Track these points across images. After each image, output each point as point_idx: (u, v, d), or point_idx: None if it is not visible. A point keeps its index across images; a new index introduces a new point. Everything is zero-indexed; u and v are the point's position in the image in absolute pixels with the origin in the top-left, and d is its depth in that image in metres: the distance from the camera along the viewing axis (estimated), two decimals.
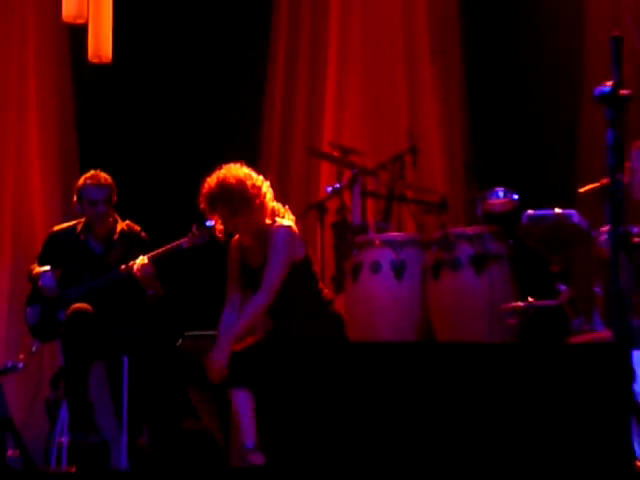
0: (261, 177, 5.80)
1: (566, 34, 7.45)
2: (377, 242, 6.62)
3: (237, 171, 5.73)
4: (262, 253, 5.74)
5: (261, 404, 5.03)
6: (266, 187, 5.78)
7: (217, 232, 5.85)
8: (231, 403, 5.71)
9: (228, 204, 5.68)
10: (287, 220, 5.79)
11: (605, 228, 5.24)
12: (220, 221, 5.77)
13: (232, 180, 5.68)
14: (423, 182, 7.34)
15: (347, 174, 7.08)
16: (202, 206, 5.76)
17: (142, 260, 6.15)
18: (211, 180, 5.70)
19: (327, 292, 5.95)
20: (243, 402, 5.60)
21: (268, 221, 5.75)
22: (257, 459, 5.50)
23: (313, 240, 6.84)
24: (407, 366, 3.43)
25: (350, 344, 5.19)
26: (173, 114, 7.74)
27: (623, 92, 4.08)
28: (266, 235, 5.73)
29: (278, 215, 5.78)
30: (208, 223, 5.97)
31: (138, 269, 6.13)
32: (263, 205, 5.73)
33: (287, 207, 5.89)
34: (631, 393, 3.91)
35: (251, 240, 5.79)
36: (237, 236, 5.85)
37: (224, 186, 5.67)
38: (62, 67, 7.60)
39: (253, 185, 5.71)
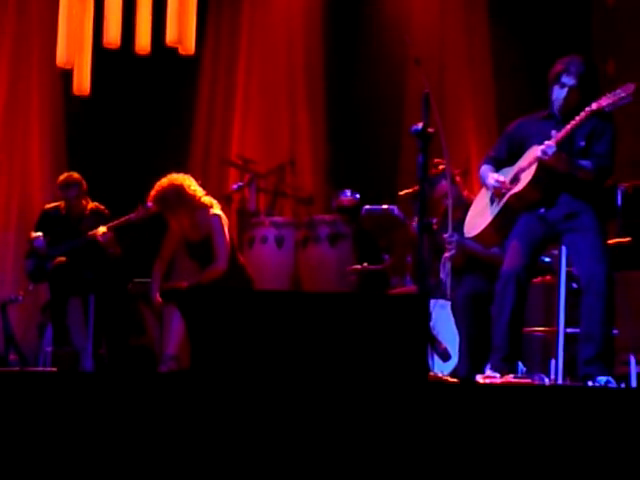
0: (193, 181, 5.74)
1: (394, 89, 7.50)
2: (266, 223, 6.62)
3: (173, 179, 5.67)
4: (199, 232, 5.70)
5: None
6: (195, 187, 5.72)
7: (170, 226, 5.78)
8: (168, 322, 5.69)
9: (166, 206, 5.66)
10: (218, 209, 5.80)
11: (415, 218, 5.27)
12: (166, 214, 5.73)
13: (170, 187, 5.63)
14: (297, 184, 7.30)
15: (247, 176, 7.12)
16: (151, 205, 5.74)
17: (102, 229, 6.02)
18: (156, 187, 5.64)
19: (242, 259, 5.94)
20: (176, 319, 5.56)
21: (202, 210, 5.68)
22: (173, 365, 5.50)
23: None
24: (284, 305, 3.39)
25: (248, 291, 5.14)
26: (132, 134, 7.64)
27: (429, 130, 4.08)
28: (203, 220, 5.69)
29: (211, 206, 5.73)
30: (149, 204, 5.91)
31: (100, 235, 6.01)
32: (195, 201, 5.68)
33: (216, 201, 5.84)
34: (428, 327, 3.97)
35: (189, 223, 5.74)
36: None
37: (165, 191, 5.63)
38: (56, 97, 7.45)
39: (183, 192, 5.64)
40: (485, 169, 4.66)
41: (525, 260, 4.37)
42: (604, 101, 4.21)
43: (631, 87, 4.16)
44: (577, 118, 4.27)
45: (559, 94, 4.41)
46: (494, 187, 4.54)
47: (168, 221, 5.84)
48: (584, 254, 4.29)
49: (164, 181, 5.68)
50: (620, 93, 4.18)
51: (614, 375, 4.19)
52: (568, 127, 4.29)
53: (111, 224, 6.08)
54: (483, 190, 4.75)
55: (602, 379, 4.10)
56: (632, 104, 5.12)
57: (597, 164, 4.33)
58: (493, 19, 7.51)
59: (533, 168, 4.38)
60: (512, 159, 4.59)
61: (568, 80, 4.38)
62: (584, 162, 4.33)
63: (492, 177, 4.57)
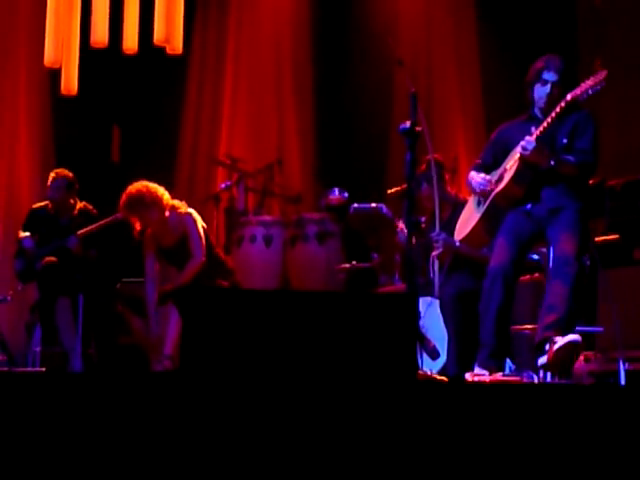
0: (157, 186, 5.72)
1: (383, 88, 7.54)
2: (254, 222, 6.65)
3: (141, 184, 5.69)
4: (173, 234, 5.71)
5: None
6: (162, 191, 5.72)
7: (134, 233, 5.77)
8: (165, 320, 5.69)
9: (136, 210, 5.66)
10: (188, 208, 5.77)
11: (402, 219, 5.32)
12: (135, 221, 5.71)
13: (140, 190, 5.64)
14: (286, 182, 7.31)
15: (235, 175, 7.13)
16: (121, 213, 5.74)
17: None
18: (126, 192, 5.65)
19: (222, 255, 5.92)
20: (173, 319, 5.56)
21: (173, 212, 5.68)
22: (168, 364, 5.48)
23: (211, 219, 6.78)
24: (273, 304, 3.36)
25: (240, 290, 5.17)
26: (119, 133, 7.66)
27: (417, 129, 4.08)
28: (174, 222, 5.69)
29: (180, 208, 5.74)
30: (120, 211, 5.82)
31: (72, 245, 6.02)
32: (162, 204, 5.68)
33: (184, 202, 5.82)
34: (417, 326, 3.95)
35: (160, 229, 5.73)
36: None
37: (135, 195, 5.64)
38: (44, 97, 7.40)
39: (151, 193, 5.65)
40: (472, 174, 4.70)
41: (512, 257, 4.37)
42: (578, 90, 4.25)
43: (603, 74, 4.20)
44: (554, 112, 4.30)
45: (542, 92, 4.44)
46: (481, 186, 4.56)
47: (139, 233, 5.81)
48: (557, 241, 4.31)
49: (132, 186, 5.71)
50: (593, 80, 4.23)
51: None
52: (546, 121, 4.32)
53: (82, 231, 6.06)
54: (471, 199, 4.79)
55: (558, 339, 4.08)
56: (614, 102, 5.15)
57: (580, 159, 4.36)
58: (480, 19, 7.55)
59: (514, 167, 4.42)
60: (498, 164, 4.63)
61: (550, 76, 4.42)
62: (567, 156, 4.35)
63: (479, 176, 4.61)
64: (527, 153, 4.32)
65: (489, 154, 4.70)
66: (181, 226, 5.72)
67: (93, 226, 6.08)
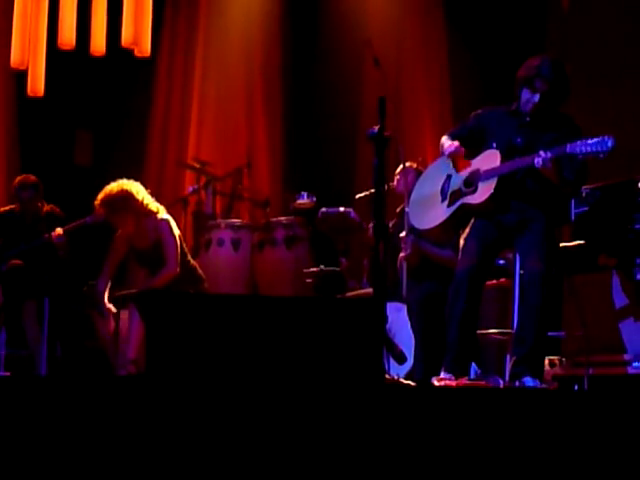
0: (140, 187, 5.64)
1: (351, 93, 7.57)
2: (222, 225, 6.64)
3: (122, 185, 5.58)
4: (147, 239, 5.62)
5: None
6: (143, 194, 5.62)
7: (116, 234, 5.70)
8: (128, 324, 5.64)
9: (113, 211, 5.56)
10: (165, 214, 5.73)
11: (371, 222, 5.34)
12: (112, 219, 5.62)
13: (118, 192, 5.54)
14: (254, 186, 7.33)
15: (203, 179, 7.12)
16: (98, 210, 5.63)
17: (58, 231, 5.97)
18: (104, 191, 5.55)
19: (192, 262, 5.83)
20: (135, 323, 5.51)
21: (149, 217, 5.59)
22: (132, 369, 5.43)
23: (178, 222, 6.69)
24: (240, 309, 3.38)
25: (202, 295, 5.15)
26: (87, 135, 7.65)
27: (385, 134, 4.09)
28: (151, 227, 5.60)
29: (158, 212, 5.63)
30: (96, 208, 5.80)
31: (55, 237, 5.96)
32: (143, 207, 5.58)
33: (163, 207, 5.73)
34: (384, 330, 3.99)
35: (135, 232, 5.65)
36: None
37: (112, 196, 5.54)
38: (9, 98, 7.33)
39: (133, 194, 5.55)
40: (445, 139, 4.65)
41: (479, 262, 4.39)
42: (577, 148, 4.16)
43: (609, 142, 4.08)
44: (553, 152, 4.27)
45: (531, 97, 4.39)
46: (450, 149, 4.53)
47: (114, 228, 5.75)
48: (526, 257, 4.35)
49: (113, 186, 5.59)
50: (597, 146, 4.10)
51: (541, 377, 4.26)
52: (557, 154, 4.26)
53: (67, 227, 6.02)
54: (433, 167, 4.77)
55: (528, 380, 4.17)
56: (580, 108, 5.14)
57: (577, 179, 4.36)
58: (449, 23, 7.60)
59: (492, 184, 4.38)
60: (471, 142, 4.59)
61: (541, 85, 4.36)
62: (569, 175, 4.32)
63: (450, 141, 4.56)
64: (545, 169, 4.24)
65: (465, 132, 4.64)
66: (156, 232, 5.61)
67: (79, 222, 6.00)
